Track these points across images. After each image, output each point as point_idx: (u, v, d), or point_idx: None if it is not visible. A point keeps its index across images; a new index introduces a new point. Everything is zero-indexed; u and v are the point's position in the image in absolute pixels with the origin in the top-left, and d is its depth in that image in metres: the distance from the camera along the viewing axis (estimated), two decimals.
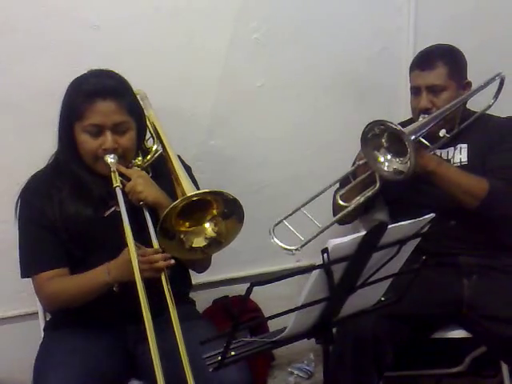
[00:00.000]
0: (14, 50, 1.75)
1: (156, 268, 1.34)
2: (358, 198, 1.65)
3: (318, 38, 2.08)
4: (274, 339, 1.11)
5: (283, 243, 1.58)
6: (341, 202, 1.66)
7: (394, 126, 1.52)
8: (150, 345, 1.21)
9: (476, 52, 1.85)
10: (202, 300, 1.97)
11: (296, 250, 1.57)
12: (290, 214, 1.63)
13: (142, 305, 1.25)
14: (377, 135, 1.58)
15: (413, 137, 1.55)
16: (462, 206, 1.61)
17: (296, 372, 2.21)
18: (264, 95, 2.06)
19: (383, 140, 1.59)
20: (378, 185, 1.64)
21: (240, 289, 2.11)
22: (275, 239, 1.58)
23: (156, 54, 1.88)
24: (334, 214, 1.75)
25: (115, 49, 1.82)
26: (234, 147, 2.08)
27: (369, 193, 1.65)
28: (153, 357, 1.19)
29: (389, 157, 1.61)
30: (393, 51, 2.18)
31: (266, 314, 1.82)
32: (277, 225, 1.61)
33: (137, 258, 1.30)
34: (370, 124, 1.55)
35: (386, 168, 1.60)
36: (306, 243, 1.57)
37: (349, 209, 1.64)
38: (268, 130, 2.10)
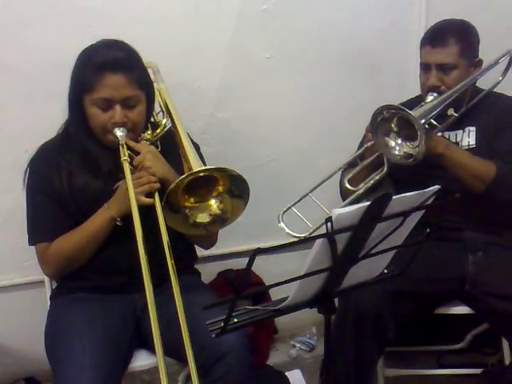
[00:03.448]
0: (24, 19, 1.74)
1: (144, 182, 1.38)
2: (366, 180, 1.65)
3: (328, 10, 2.05)
4: (276, 307, 1.12)
5: (291, 228, 1.58)
6: (348, 187, 1.66)
7: (404, 110, 1.51)
8: (149, 304, 1.21)
9: (489, 27, 1.81)
10: (207, 272, 1.98)
11: (305, 237, 1.57)
12: (299, 201, 1.63)
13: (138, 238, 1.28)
14: (386, 119, 1.57)
15: (423, 120, 1.53)
16: (469, 189, 1.61)
17: (298, 345, 2.25)
18: (272, 67, 2.04)
19: (393, 124, 1.58)
20: (385, 168, 1.65)
21: (244, 262, 2.07)
22: (284, 226, 1.58)
23: (164, 24, 1.87)
24: (342, 195, 1.75)
25: (123, 17, 1.81)
26: (241, 120, 2.06)
27: (377, 176, 1.66)
28: (151, 319, 1.20)
29: (399, 141, 1.60)
30: (403, 25, 2.15)
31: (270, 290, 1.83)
32: (285, 211, 1.61)
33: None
34: (379, 108, 1.54)
35: (396, 152, 1.60)
36: (314, 230, 1.57)
37: (358, 193, 1.64)
38: (275, 103, 2.08)
